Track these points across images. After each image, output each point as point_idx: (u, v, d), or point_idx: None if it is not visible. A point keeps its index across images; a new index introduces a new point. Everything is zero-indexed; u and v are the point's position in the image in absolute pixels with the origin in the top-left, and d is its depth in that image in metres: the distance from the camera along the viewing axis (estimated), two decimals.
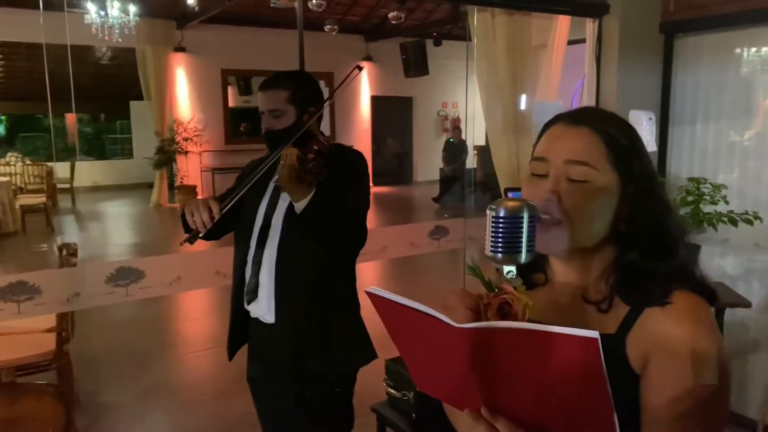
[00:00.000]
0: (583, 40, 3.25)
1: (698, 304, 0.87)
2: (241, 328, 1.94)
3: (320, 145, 1.73)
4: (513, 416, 0.74)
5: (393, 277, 6.34)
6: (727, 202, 2.75)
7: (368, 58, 12.65)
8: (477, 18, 3.02)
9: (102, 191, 12.88)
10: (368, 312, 1.05)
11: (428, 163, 13.35)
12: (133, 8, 8.05)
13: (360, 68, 1.89)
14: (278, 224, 1.82)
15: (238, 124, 12.15)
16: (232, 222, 1.87)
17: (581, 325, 0.90)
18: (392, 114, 13.59)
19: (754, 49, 3.07)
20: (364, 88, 12.95)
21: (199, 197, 1.77)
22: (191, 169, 10.89)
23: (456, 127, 12.33)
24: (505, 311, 0.82)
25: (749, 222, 2.65)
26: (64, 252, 2.85)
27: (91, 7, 7.58)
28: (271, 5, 7.71)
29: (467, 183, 9.75)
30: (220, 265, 2.34)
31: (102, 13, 7.69)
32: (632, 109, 3.21)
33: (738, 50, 3.13)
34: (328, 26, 9.76)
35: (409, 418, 2.29)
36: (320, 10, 8.57)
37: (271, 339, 1.84)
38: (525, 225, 0.83)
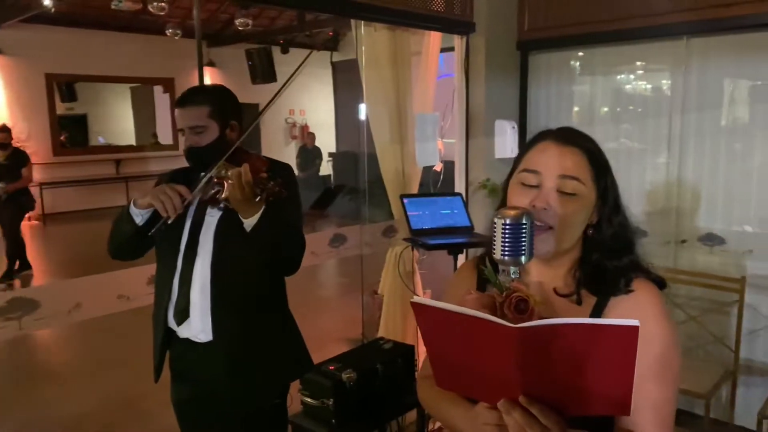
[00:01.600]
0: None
1: (655, 290, 1.07)
2: (164, 349, 1.87)
3: (261, 162, 1.73)
4: (542, 399, 0.86)
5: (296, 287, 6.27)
6: None
7: (211, 64, 12.25)
8: (363, 30, 3.14)
9: None
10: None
11: None
12: None
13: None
14: (208, 241, 1.79)
15: (68, 134, 11.12)
16: (153, 239, 1.80)
17: (561, 315, 1.06)
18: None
19: (593, 65, 3.56)
20: None
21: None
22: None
23: (309, 132, 12.38)
24: (521, 307, 0.94)
25: None
26: None
27: None
28: (113, 7, 7.19)
29: (361, 191, 9.83)
30: (123, 288, 2.20)
31: None
32: (497, 119, 3.55)
33: (578, 65, 3.61)
34: (170, 30, 9.33)
35: (329, 424, 2.34)
36: (162, 13, 8.19)
37: (205, 358, 1.79)
38: (528, 231, 0.96)
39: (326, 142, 12.94)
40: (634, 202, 3.37)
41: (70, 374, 4.25)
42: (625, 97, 3.45)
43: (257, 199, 1.57)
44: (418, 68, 3.32)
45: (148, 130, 13.08)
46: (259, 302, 1.82)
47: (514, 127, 3.55)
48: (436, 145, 3.37)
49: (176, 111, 1.79)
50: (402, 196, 2.79)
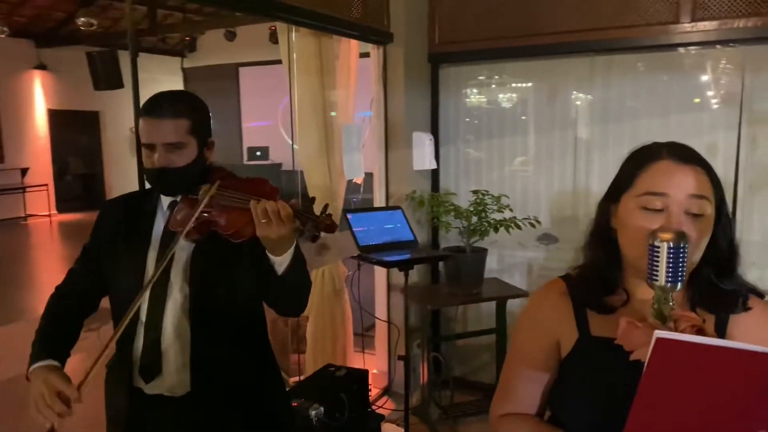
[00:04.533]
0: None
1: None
2: (121, 410, 1.55)
3: (268, 186, 1.49)
4: None
5: None
6: (511, 210, 3.24)
7: (42, 67, 10.93)
8: (290, 37, 2.93)
9: None
10: None
11: (127, 185, 12.13)
12: None
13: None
14: (179, 278, 1.51)
15: None
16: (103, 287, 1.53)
17: None
18: (76, 130, 11.99)
19: (503, 79, 3.68)
20: (39, 99, 11.14)
21: None
22: None
23: None
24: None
25: (533, 225, 3.18)
26: None
27: None
28: None
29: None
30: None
31: None
32: (415, 131, 3.53)
33: (489, 79, 3.71)
34: None
35: None
36: None
37: (182, 414, 1.51)
38: (685, 254, 0.91)
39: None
40: (544, 211, 3.54)
41: None
42: (533, 109, 3.61)
43: (302, 236, 1.36)
44: (340, 77, 3.18)
45: None
46: (245, 345, 1.60)
47: (431, 140, 3.55)
48: (361, 156, 3.26)
49: (145, 122, 1.47)
50: (345, 212, 2.65)
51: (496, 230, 3.12)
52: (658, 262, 0.90)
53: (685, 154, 1.04)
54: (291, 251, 1.43)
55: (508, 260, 3.73)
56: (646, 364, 0.80)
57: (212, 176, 1.52)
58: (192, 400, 1.50)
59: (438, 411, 3.41)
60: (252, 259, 1.48)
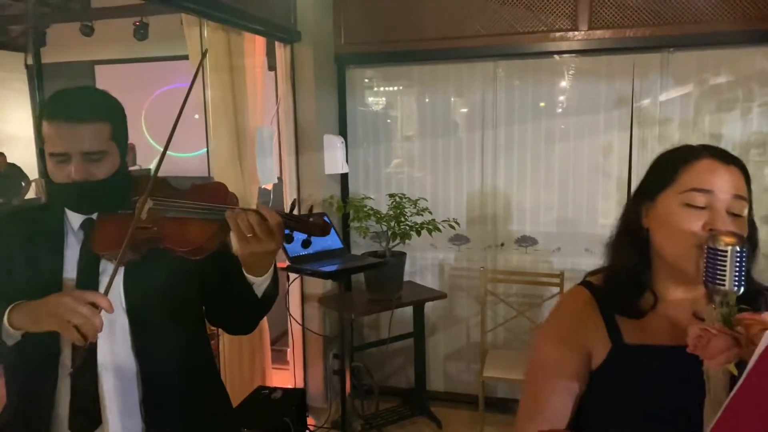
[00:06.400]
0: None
1: None
2: None
3: (224, 190, 1.30)
4: None
5: None
6: (430, 213, 3.23)
7: None
8: (196, 34, 2.67)
9: None
10: None
11: None
12: None
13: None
14: (119, 307, 1.28)
15: None
16: None
17: None
18: None
19: (411, 81, 3.66)
20: None
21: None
22: None
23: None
24: None
25: (453, 227, 3.20)
26: None
27: None
28: None
29: None
30: None
31: None
32: (326, 134, 3.40)
33: (396, 80, 3.69)
34: None
35: None
36: None
37: None
38: (746, 258, 0.90)
39: (25, 160, 10.86)
40: (454, 212, 3.58)
41: None
42: (440, 112, 3.63)
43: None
44: (249, 77, 2.97)
45: None
46: (197, 371, 1.43)
47: (342, 143, 3.45)
48: (272, 161, 3.07)
49: (54, 126, 1.21)
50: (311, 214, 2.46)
51: (419, 233, 3.09)
52: (723, 266, 0.89)
53: (725, 155, 1.05)
54: (272, 268, 1.28)
55: (420, 262, 3.73)
56: (752, 365, 0.78)
57: (137, 185, 1.32)
58: None
59: (360, 422, 3.32)
60: (202, 270, 1.33)
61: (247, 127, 2.88)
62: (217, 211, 1.20)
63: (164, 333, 1.32)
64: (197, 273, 1.34)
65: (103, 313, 1.19)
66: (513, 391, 3.66)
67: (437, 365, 3.77)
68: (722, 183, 1.02)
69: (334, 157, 3.38)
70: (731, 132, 3.17)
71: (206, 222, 1.21)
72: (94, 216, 1.30)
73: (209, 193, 1.28)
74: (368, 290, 3.21)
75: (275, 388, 2.37)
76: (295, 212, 1.27)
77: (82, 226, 1.31)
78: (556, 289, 3.34)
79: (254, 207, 1.21)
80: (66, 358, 1.27)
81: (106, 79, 10.97)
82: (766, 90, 3.14)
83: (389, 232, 3.13)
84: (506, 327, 3.56)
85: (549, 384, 1.13)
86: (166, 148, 1.25)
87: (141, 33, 7.29)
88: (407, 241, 3.21)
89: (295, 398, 2.32)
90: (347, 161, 3.58)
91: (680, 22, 3.09)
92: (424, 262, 3.74)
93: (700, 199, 1.01)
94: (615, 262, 1.13)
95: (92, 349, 1.26)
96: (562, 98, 3.42)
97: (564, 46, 3.28)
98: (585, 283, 1.17)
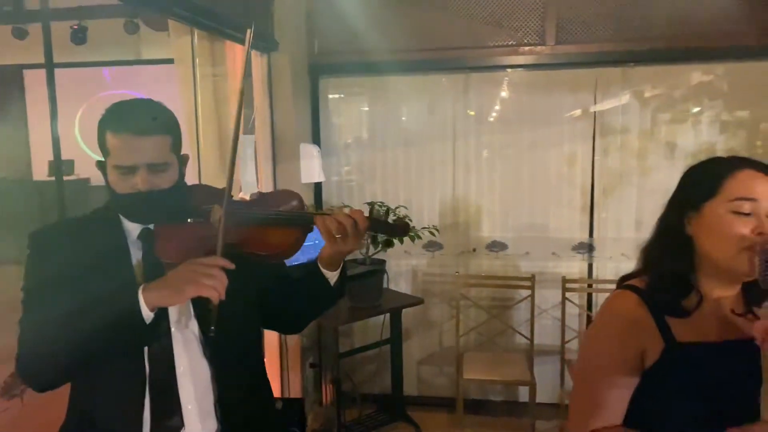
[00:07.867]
0: None
1: None
2: None
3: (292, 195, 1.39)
4: None
5: None
6: (410, 220, 3.29)
7: None
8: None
9: None
10: None
11: None
12: None
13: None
14: (184, 316, 1.32)
15: None
16: None
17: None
18: None
19: (385, 92, 3.72)
20: None
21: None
22: None
23: None
24: None
25: (432, 233, 3.27)
26: None
27: None
28: None
29: None
30: None
31: None
32: (302, 143, 3.41)
33: (369, 91, 3.74)
34: None
35: None
36: None
37: None
38: None
39: None
40: (428, 220, 3.67)
41: None
42: (413, 122, 3.71)
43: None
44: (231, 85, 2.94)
45: None
46: (261, 370, 1.52)
47: (318, 151, 3.46)
48: (254, 170, 3.05)
49: (121, 139, 1.24)
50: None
51: (402, 241, 3.15)
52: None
53: (762, 165, 1.17)
54: (339, 270, 1.39)
55: (394, 269, 3.78)
56: None
57: (192, 194, 1.37)
58: None
59: (342, 430, 3.33)
60: (270, 274, 1.44)
61: (230, 135, 2.84)
62: (306, 217, 1.29)
63: (232, 336, 1.35)
64: (261, 276, 1.40)
65: (176, 323, 1.31)
66: (486, 393, 3.78)
67: (410, 370, 3.83)
68: (764, 191, 1.13)
69: (311, 166, 3.39)
70: (684, 141, 3.42)
71: (290, 227, 1.29)
72: (151, 226, 1.32)
73: (283, 200, 1.39)
74: (349, 298, 3.23)
75: (276, 398, 2.36)
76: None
77: (140, 235, 1.33)
78: (527, 292, 3.48)
79: (346, 211, 1.31)
80: (145, 356, 1.29)
81: (37, 85, 10.45)
82: (713, 103, 3.41)
83: (368, 240, 3.17)
84: (478, 330, 3.67)
85: (607, 380, 1.20)
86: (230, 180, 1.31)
87: (79, 37, 6.96)
88: (387, 249, 3.26)
89: (297, 408, 2.32)
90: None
91: (640, 39, 3.31)
92: (399, 269, 3.80)
93: (746, 207, 1.12)
94: (661, 267, 1.22)
95: (170, 360, 1.29)
96: (529, 110, 3.57)
97: (532, 59, 3.44)
98: (629, 287, 1.25)
